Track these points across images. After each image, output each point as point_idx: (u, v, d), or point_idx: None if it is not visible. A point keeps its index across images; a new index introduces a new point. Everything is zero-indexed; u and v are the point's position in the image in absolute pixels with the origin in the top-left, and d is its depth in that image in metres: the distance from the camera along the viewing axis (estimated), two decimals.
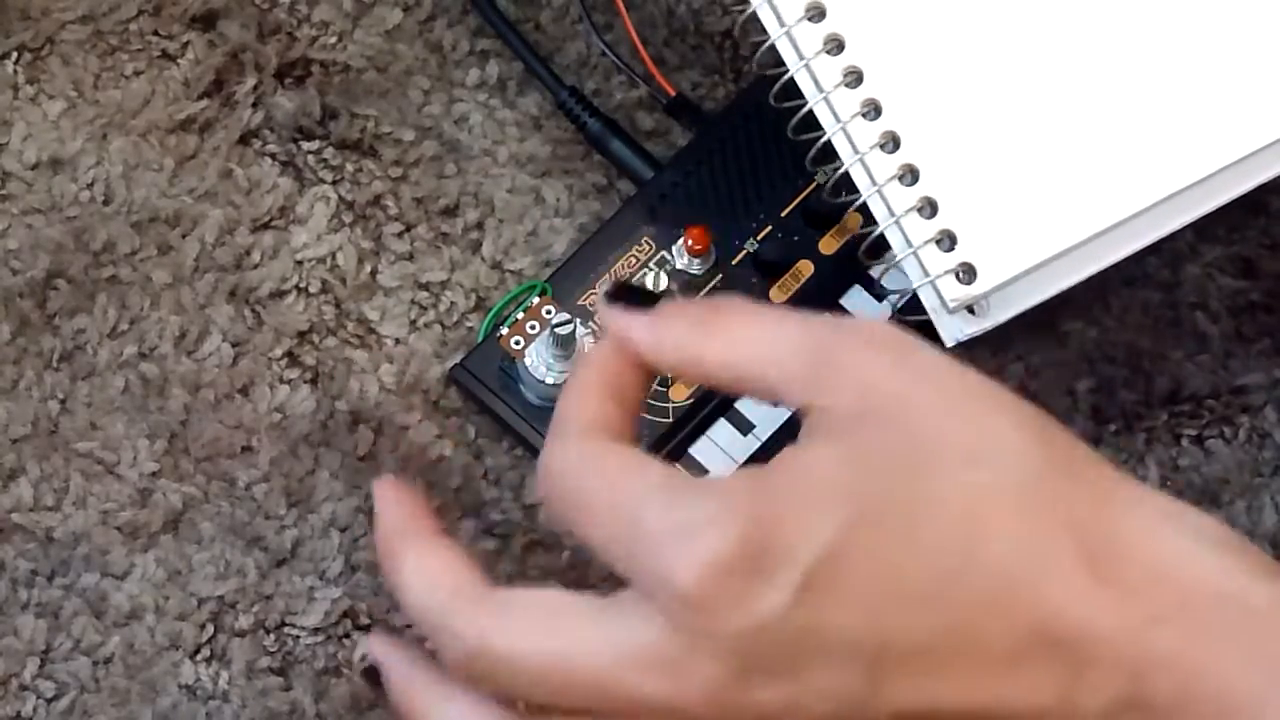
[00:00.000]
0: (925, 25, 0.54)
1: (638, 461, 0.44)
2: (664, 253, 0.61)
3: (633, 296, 0.47)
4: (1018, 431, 0.43)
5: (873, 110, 0.54)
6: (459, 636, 0.44)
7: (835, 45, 0.54)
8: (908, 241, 0.53)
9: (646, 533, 0.42)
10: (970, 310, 0.54)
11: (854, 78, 0.54)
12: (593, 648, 0.43)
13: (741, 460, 0.59)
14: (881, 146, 0.54)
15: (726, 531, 0.41)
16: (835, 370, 0.43)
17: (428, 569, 0.46)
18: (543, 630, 0.43)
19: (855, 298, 0.61)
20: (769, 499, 0.42)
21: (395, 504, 0.48)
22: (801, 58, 0.54)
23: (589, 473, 0.44)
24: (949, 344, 0.54)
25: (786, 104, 0.55)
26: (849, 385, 0.43)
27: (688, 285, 0.60)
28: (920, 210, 0.53)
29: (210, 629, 0.59)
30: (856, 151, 0.54)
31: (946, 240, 0.53)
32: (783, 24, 0.54)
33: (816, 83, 0.54)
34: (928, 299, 0.54)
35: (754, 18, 0.55)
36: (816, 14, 0.54)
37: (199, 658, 0.59)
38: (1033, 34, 0.54)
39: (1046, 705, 0.41)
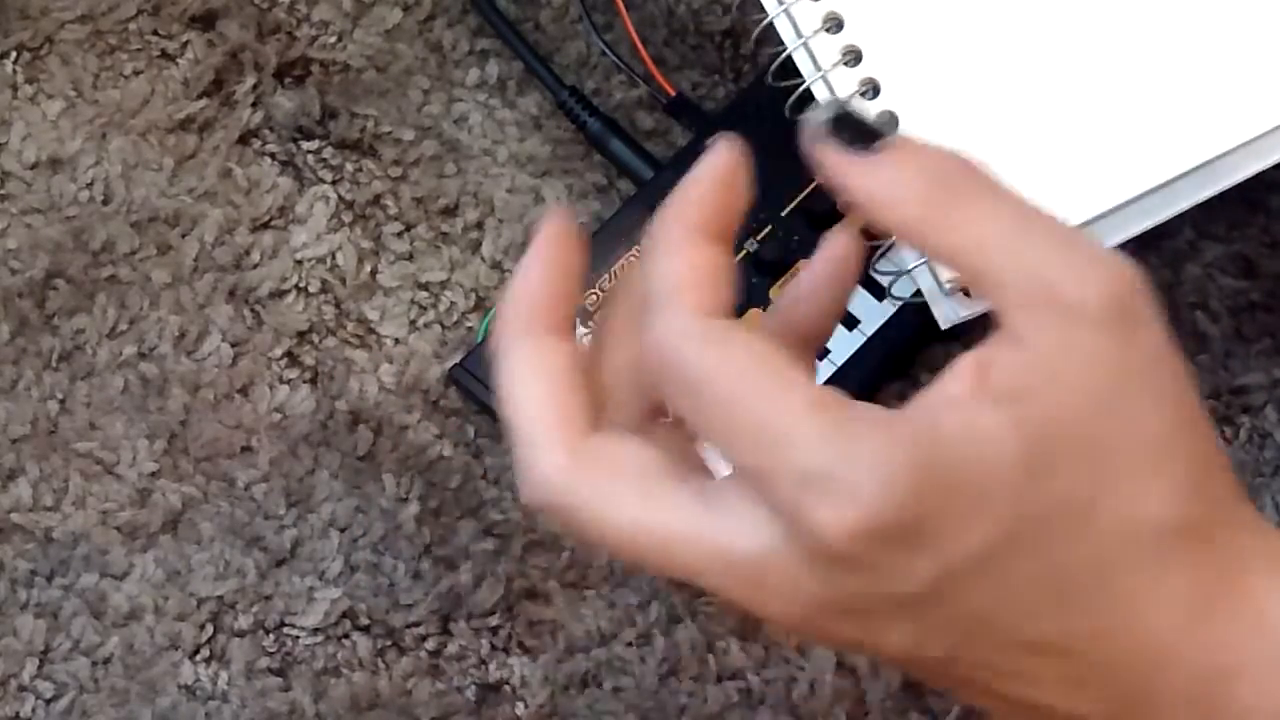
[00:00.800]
0: (928, 11, 0.54)
1: (784, 366, 0.40)
2: None
3: (853, 131, 0.42)
4: (1190, 472, 0.41)
5: (871, 89, 0.54)
6: (542, 480, 0.41)
7: (834, 24, 0.54)
8: (935, 277, 0.53)
9: (798, 466, 0.39)
10: (965, 292, 0.54)
11: (852, 57, 0.54)
12: (693, 539, 0.40)
13: None
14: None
15: (887, 497, 0.38)
16: (1061, 323, 0.40)
17: (531, 381, 0.42)
18: (640, 507, 0.40)
19: (856, 299, 0.60)
20: (938, 473, 0.39)
21: (540, 269, 0.43)
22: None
23: (725, 369, 0.40)
24: (944, 326, 0.54)
25: (784, 83, 0.55)
26: (1065, 348, 0.40)
27: None
28: None
29: (210, 629, 0.59)
30: None
31: None
32: (781, 7, 0.54)
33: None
34: (923, 281, 0.54)
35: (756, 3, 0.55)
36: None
37: (198, 658, 0.59)
38: (1034, 24, 0.54)
39: None
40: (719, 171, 0.43)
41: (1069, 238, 0.42)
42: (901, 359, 0.61)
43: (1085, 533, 0.40)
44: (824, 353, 0.59)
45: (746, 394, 0.40)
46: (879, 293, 0.60)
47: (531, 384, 0.42)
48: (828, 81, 0.54)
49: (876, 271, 0.55)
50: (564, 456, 0.41)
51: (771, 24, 0.55)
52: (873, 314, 0.60)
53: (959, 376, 0.41)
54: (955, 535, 0.39)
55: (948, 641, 0.40)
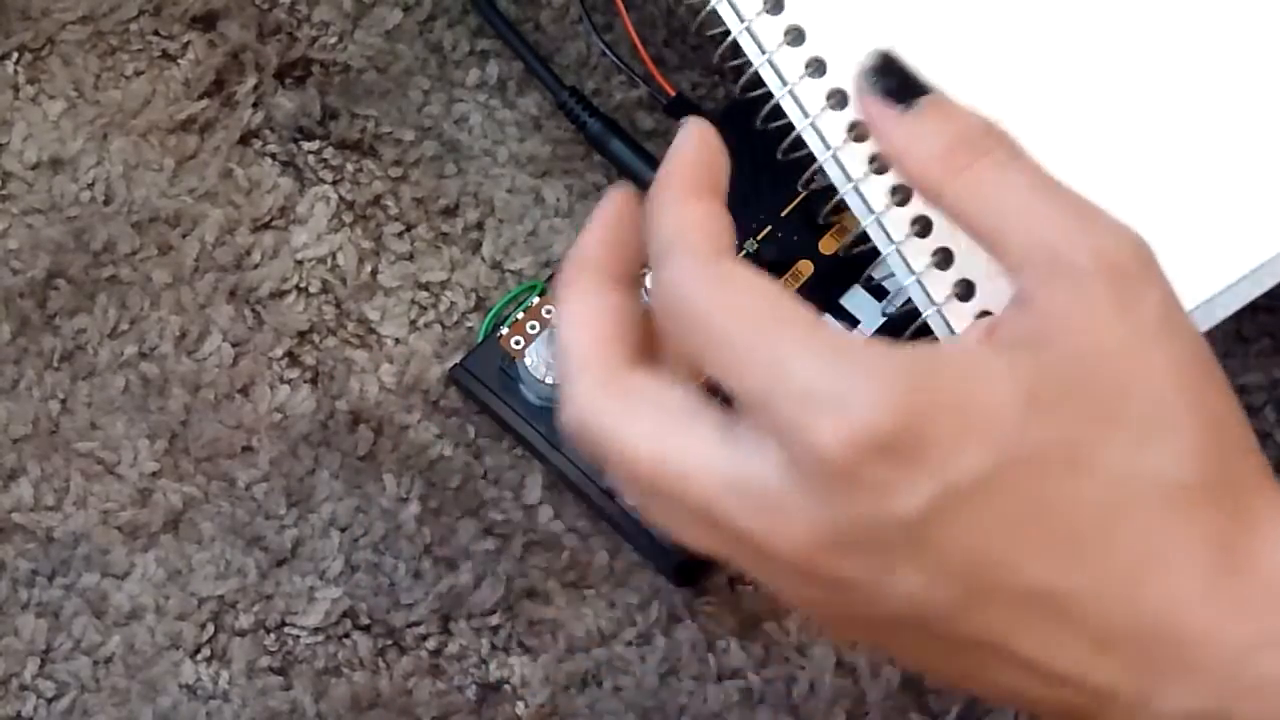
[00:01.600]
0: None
1: (786, 301, 0.42)
2: None
3: (895, 79, 0.45)
4: (1200, 431, 0.41)
5: (838, 101, 0.54)
6: (577, 403, 0.43)
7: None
8: (909, 268, 0.53)
9: (796, 387, 0.40)
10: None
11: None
12: (707, 467, 0.41)
13: None
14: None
15: (886, 413, 0.39)
16: (1064, 283, 0.42)
17: (582, 316, 0.44)
18: (660, 435, 0.42)
19: (855, 298, 0.60)
20: (936, 398, 0.40)
21: (603, 225, 0.45)
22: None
23: (728, 303, 0.42)
24: (940, 339, 0.54)
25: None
26: (1069, 305, 0.42)
27: None
28: (919, 235, 0.53)
29: (210, 629, 0.59)
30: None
31: (942, 260, 0.52)
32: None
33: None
34: (937, 328, 0.53)
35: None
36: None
37: (199, 657, 0.59)
38: (1047, 68, 0.54)
39: (1120, 693, 0.41)
40: (697, 137, 0.45)
41: (1079, 207, 0.43)
42: None
43: (1085, 477, 0.41)
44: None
45: (747, 324, 0.41)
46: (879, 293, 0.60)
47: (580, 320, 0.44)
48: (795, 96, 0.54)
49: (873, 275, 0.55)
50: (598, 384, 0.43)
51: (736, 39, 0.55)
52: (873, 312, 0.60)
53: (968, 332, 0.44)
54: (952, 454, 0.40)
55: (953, 585, 0.40)
